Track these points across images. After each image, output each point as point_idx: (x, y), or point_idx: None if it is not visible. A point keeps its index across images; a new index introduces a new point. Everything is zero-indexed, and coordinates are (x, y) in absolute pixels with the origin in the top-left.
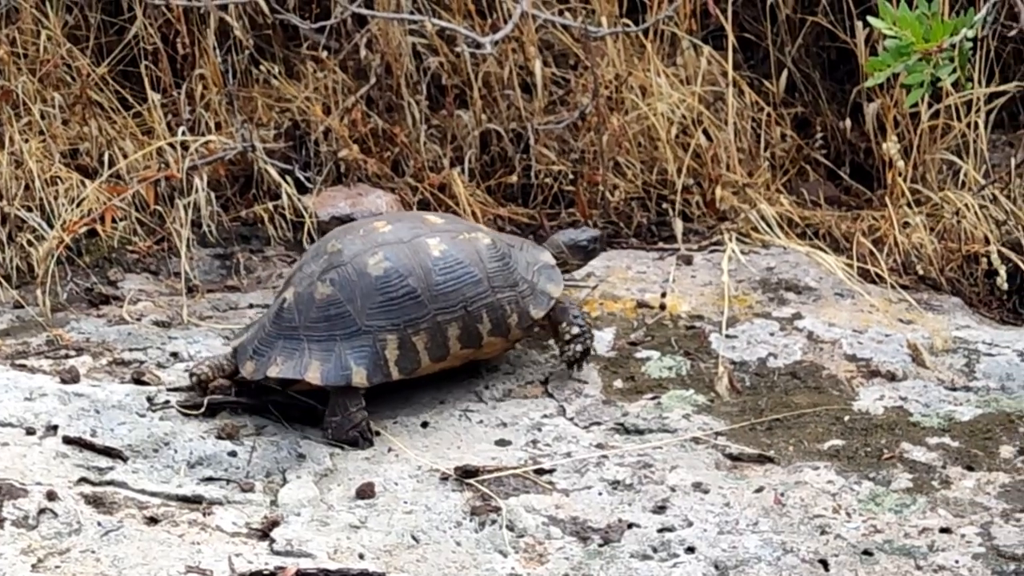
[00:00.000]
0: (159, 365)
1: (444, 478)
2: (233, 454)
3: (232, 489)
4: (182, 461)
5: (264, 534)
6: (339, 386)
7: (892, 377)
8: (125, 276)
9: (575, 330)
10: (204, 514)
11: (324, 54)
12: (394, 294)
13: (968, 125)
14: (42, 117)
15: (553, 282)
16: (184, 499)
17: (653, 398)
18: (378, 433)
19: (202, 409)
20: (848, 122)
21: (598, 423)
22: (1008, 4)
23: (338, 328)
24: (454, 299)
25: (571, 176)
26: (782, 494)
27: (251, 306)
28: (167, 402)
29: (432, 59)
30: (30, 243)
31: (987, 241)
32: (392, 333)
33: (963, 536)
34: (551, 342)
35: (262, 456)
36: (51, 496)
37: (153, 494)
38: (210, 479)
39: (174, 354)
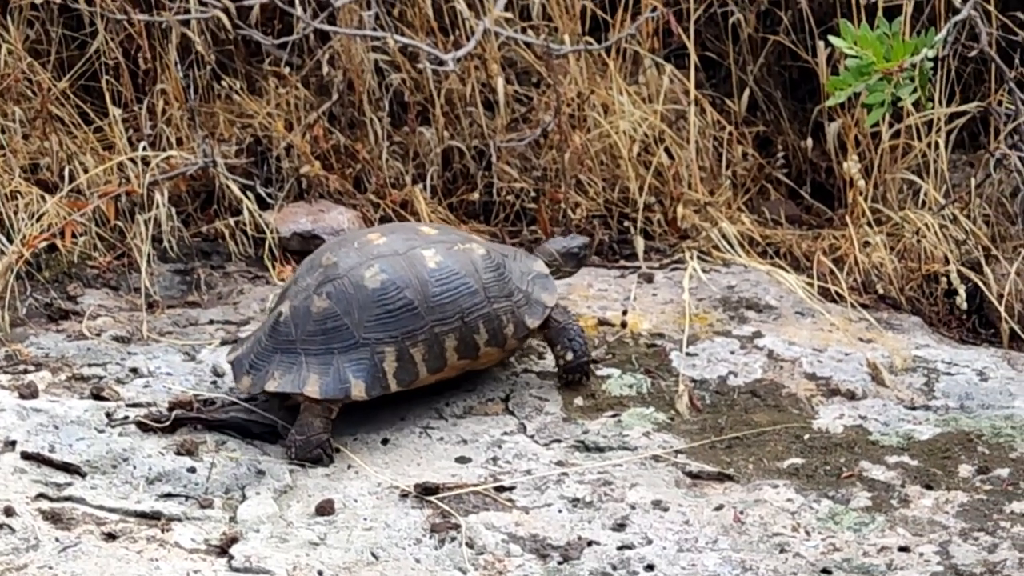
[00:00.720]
0: (118, 381)
1: (404, 495)
2: (192, 470)
3: (191, 505)
4: (141, 477)
5: (223, 551)
6: (336, 399)
7: (852, 396)
8: (85, 291)
9: (569, 356)
10: (163, 530)
11: (286, 70)
12: (391, 306)
13: (929, 145)
14: (2, 131)
15: (547, 291)
16: (142, 515)
17: (613, 416)
18: (338, 450)
19: (163, 424)
20: (809, 141)
21: (558, 440)
22: (969, 24)
23: (336, 341)
24: (451, 310)
25: (533, 193)
26: (741, 512)
27: (211, 322)
28: (126, 418)
29: (394, 76)
30: None
31: (947, 261)
32: (390, 345)
33: (921, 555)
34: (513, 359)
35: (221, 472)
36: (8, 512)
37: (111, 510)
38: (169, 495)
39: (133, 370)
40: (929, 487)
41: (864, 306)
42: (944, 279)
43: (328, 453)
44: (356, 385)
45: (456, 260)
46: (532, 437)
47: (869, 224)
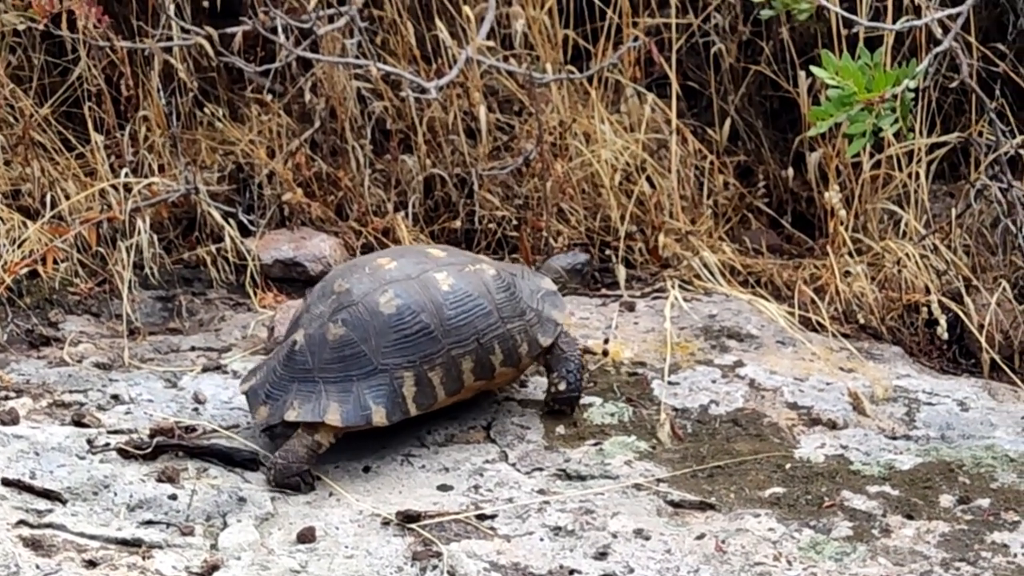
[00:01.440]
0: (100, 407)
1: (385, 523)
2: (173, 497)
3: (172, 532)
4: (122, 504)
5: None
6: (357, 426)
7: (833, 425)
8: (66, 318)
9: (563, 386)
10: (143, 557)
11: (269, 97)
12: (408, 331)
13: (909, 175)
14: None
15: (557, 308)
16: (123, 542)
17: (595, 444)
18: (319, 478)
19: (144, 451)
20: (790, 171)
21: (540, 469)
22: (950, 56)
23: (354, 368)
24: (467, 332)
25: (515, 222)
26: (723, 541)
27: (193, 349)
28: (107, 444)
29: (377, 103)
30: None
31: (927, 291)
32: (408, 370)
33: None
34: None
35: (202, 499)
36: None
37: (92, 537)
38: (150, 522)
39: (115, 396)
40: (910, 517)
41: (845, 336)
42: (925, 309)
43: (307, 482)
44: (377, 411)
45: (468, 282)
46: (514, 465)
47: (850, 254)
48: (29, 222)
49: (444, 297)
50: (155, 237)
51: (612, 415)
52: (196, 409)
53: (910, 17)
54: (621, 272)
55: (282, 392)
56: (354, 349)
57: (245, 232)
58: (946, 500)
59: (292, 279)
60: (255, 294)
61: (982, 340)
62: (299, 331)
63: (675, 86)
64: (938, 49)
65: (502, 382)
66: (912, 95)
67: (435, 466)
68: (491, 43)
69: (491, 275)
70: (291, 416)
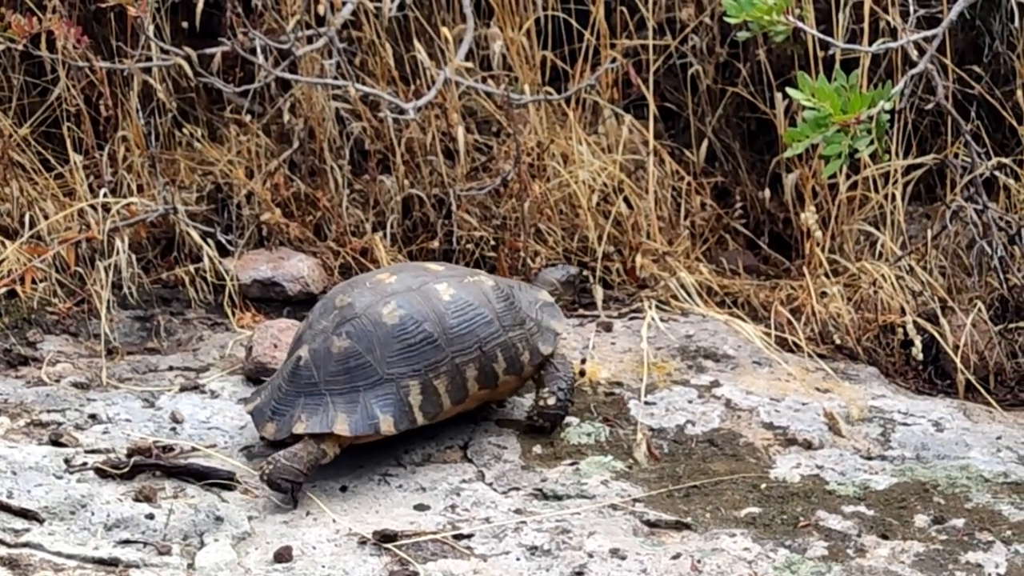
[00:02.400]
0: (77, 427)
1: (362, 542)
2: (151, 517)
3: (149, 552)
4: (99, 523)
5: None
6: (366, 435)
7: (808, 445)
8: (44, 337)
9: (551, 401)
10: None
11: (247, 118)
12: (412, 340)
13: (886, 197)
14: None
15: (556, 319)
16: (100, 562)
17: (572, 464)
18: (295, 497)
19: (121, 470)
20: (767, 192)
21: (517, 488)
22: (926, 78)
23: (360, 379)
24: (469, 340)
25: (493, 242)
26: (699, 561)
27: (171, 368)
28: (84, 464)
29: (355, 124)
30: None
31: (903, 312)
32: (414, 379)
33: None
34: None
35: (180, 519)
36: None
37: (69, 556)
38: (127, 542)
39: (92, 416)
40: (885, 537)
41: (821, 356)
42: (901, 330)
43: (294, 493)
44: (384, 420)
45: (469, 292)
46: (491, 485)
47: (826, 275)
48: (8, 242)
49: (446, 307)
50: (133, 257)
51: (589, 435)
52: (174, 428)
53: (886, 39)
54: (598, 292)
55: (288, 407)
56: (359, 360)
57: (223, 252)
58: (921, 520)
59: (270, 299)
60: (233, 314)
61: (957, 361)
62: (303, 347)
63: (652, 107)
64: (914, 71)
65: (505, 391)
66: (888, 117)
67: (412, 485)
68: (469, 64)
69: (490, 285)
70: (299, 429)
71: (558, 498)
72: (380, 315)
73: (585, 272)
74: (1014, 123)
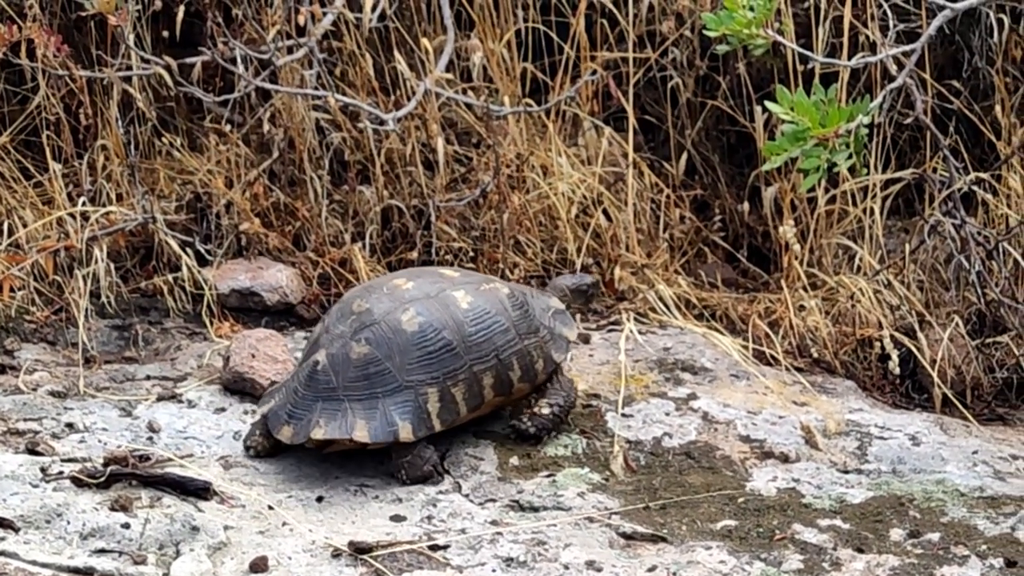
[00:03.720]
0: (54, 436)
1: (338, 553)
2: (126, 526)
3: (125, 561)
4: (75, 532)
5: None
6: (385, 443)
7: (785, 459)
8: (22, 346)
9: (545, 411)
10: None
11: (227, 127)
12: (431, 348)
13: (864, 211)
14: None
15: (567, 326)
16: (76, 571)
17: (548, 476)
18: (271, 508)
19: (97, 480)
20: (746, 205)
21: (493, 500)
22: (904, 92)
23: (379, 385)
24: (487, 348)
25: (472, 253)
26: (674, 573)
27: (148, 378)
28: (61, 473)
29: (335, 135)
30: None
31: (881, 326)
32: (432, 386)
33: None
34: None
35: (155, 528)
36: None
37: (44, 565)
38: (102, 551)
39: (69, 425)
40: (861, 550)
41: (799, 369)
42: (878, 344)
43: (439, 471)
44: (403, 427)
45: (486, 300)
46: (467, 496)
47: (804, 288)
48: None
49: (464, 315)
50: (112, 266)
51: (566, 447)
52: (150, 438)
53: (865, 54)
54: None
55: (306, 411)
56: (379, 367)
57: (202, 262)
58: (896, 534)
59: (249, 309)
60: (211, 324)
61: (934, 375)
62: (320, 351)
63: (632, 120)
64: (892, 85)
65: (518, 399)
66: (866, 131)
67: (388, 496)
68: (449, 75)
69: (505, 293)
70: (318, 434)
71: (534, 510)
72: (399, 322)
73: (599, 284)
74: (993, 138)
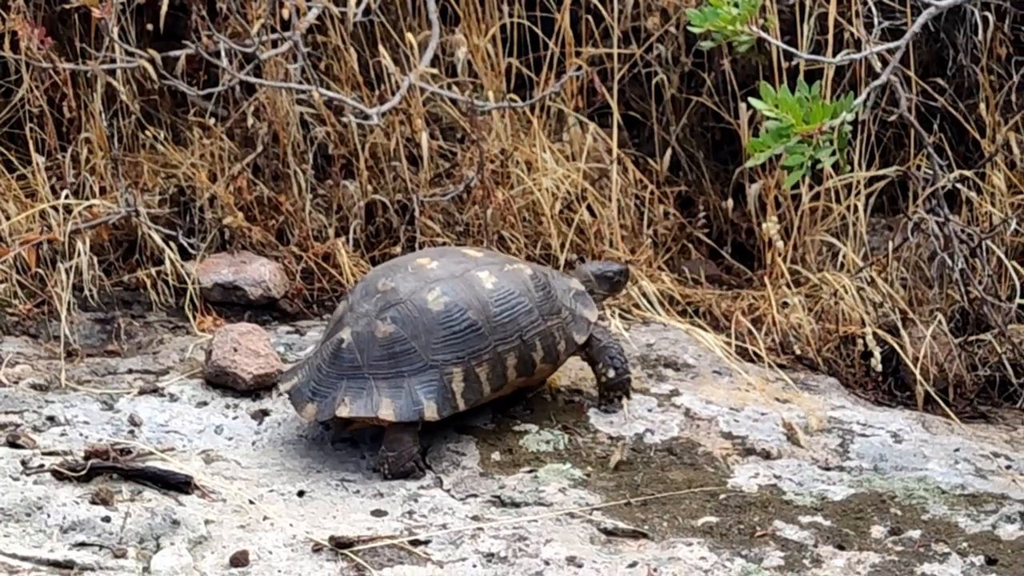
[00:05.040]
0: (35, 429)
1: (318, 548)
2: (107, 519)
3: (104, 555)
4: (55, 526)
5: None
6: (411, 421)
7: (767, 455)
8: (4, 338)
9: (611, 373)
10: None
11: (211, 121)
12: (456, 328)
13: (848, 208)
14: None
15: (588, 308)
16: (56, 564)
17: (530, 471)
18: (252, 502)
19: (78, 473)
20: (730, 202)
21: (475, 495)
22: (889, 89)
23: (404, 364)
24: (511, 329)
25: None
26: (655, 569)
27: (130, 371)
28: (41, 466)
29: (319, 129)
30: None
31: (863, 323)
32: (457, 366)
33: None
34: None
35: (136, 522)
36: None
37: (24, 558)
38: (83, 544)
39: (51, 418)
40: (842, 547)
41: (781, 366)
42: (861, 341)
43: (420, 467)
44: (428, 406)
45: (510, 280)
46: (448, 491)
47: (788, 285)
48: None
49: (489, 295)
50: (95, 259)
51: (548, 442)
52: (132, 432)
53: (850, 51)
54: None
55: (330, 389)
56: (404, 346)
57: (185, 255)
58: (877, 531)
59: (231, 303)
60: (194, 317)
61: (917, 373)
62: (344, 329)
63: (617, 116)
64: (876, 82)
65: (540, 379)
66: (850, 128)
67: (370, 491)
68: (434, 70)
69: (528, 274)
70: (343, 412)
71: (516, 505)
72: (425, 301)
73: (629, 272)
74: (977, 136)
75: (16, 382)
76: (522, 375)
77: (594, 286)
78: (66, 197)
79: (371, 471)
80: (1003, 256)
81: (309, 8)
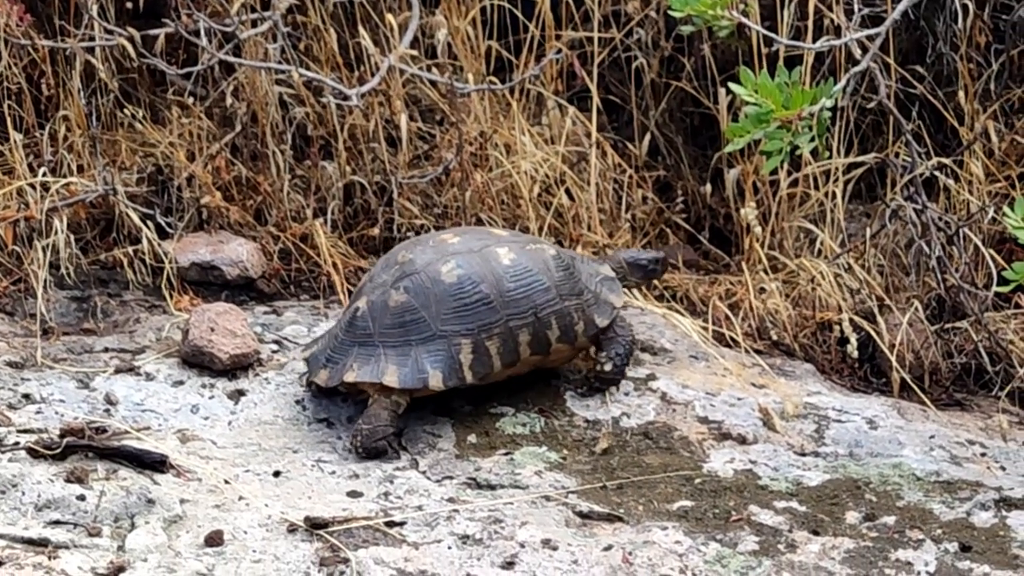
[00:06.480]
0: (10, 406)
1: (293, 528)
2: (82, 498)
3: (79, 533)
4: (29, 503)
5: None
6: (414, 388)
7: (743, 440)
8: None
9: (609, 367)
10: (50, 557)
11: (190, 100)
12: (467, 300)
13: (826, 194)
14: None
15: (615, 293)
16: (30, 542)
17: (506, 454)
18: (227, 482)
19: (53, 451)
20: (709, 187)
21: (450, 477)
22: (868, 76)
23: (413, 333)
24: (525, 305)
25: (433, 230)
26: (630, 553)
27: (106, 350)
28: (16, 444)
29: (298, 109)
30: None
31: (840, 309)
32: (466, 338)
33: None
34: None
35: (111, 501)
36: None
37: None
38: (57, 522)
39: (26, 396)
40: (816, 533)
41: (758, 352)
42: (837, 327)
43: (393, 446)
44: (433, 375)
45: (529, 258)
46: (424, 473)
47: (765, 271)
48: None
49: (504, 270)
50: (72, 237)
51: (524, 425)
52: (108, 410)
53: (830, 37)
54: None
55: (342, 356)
56: (414, 315)
57: (163, 234)
58: (852, 517)
59: (208, 282)
60: (171, 297)
61: (893, 360)
62: (362, 298)
63: (596, 100)
64: (856, 69)
65: (557, 359)
66: (829, 114)
67: (345, 472)
68: (414, 52)
69: (551, 254)
70: (350, 377)
71: (491, 488)
72: (439, 273)
73: (666, 261)
74: (955, 124)
75: None
76: (536, 353)
77: (626, 273)
78: (43, 175)
79: (347, 452)
80: (980, 244)
81: None
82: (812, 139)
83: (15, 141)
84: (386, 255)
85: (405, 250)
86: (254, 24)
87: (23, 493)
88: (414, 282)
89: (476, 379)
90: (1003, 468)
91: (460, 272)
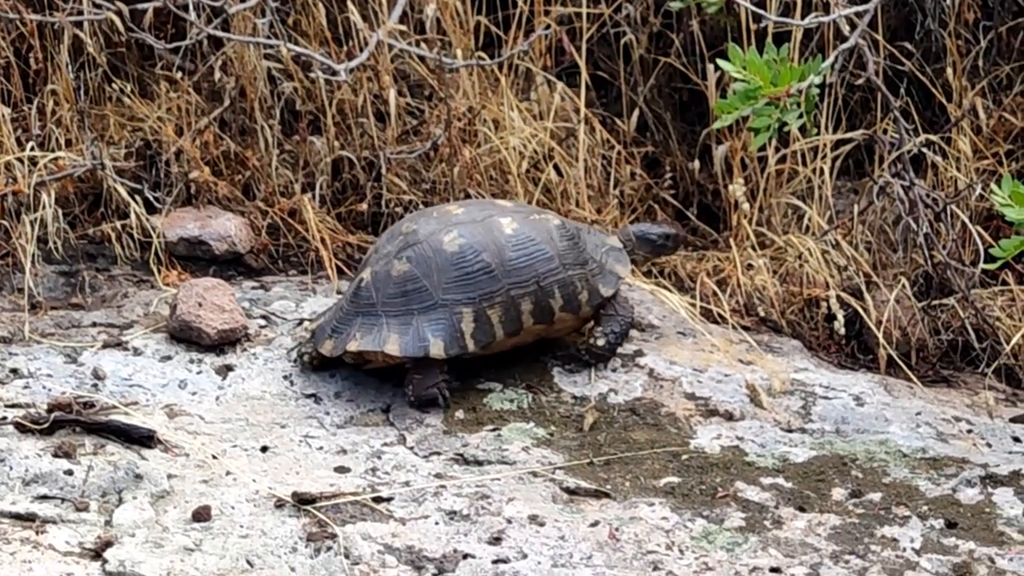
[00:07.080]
0: None
1: (281, 504)
2: (69, 473)
3: (66, 508)
4: (17, 478)
5: (97, 554)
6: (416, 357)
7: (730, 417)
8: None
9: (601, 342)
10: (37, 532)
11: (178, 75)
12: (469, 269)
13: (814, 171)
14: None
15: (621, 263)
16: (17, 516)
17: (493, 430)
18: (215, 457)
19: (41, 426)
20: (697, 163)
21: (438, 453)
22: (857, 53)
23: (415, 302)
24: (527, 274)
25: (422, 206)
26: (617, 529)
27: (94, 324)
28: (4, 418)
29: (287, 84)
30: None
31: (828, 286)
32: (468, 306)
33: None
34: None
35: (99, 475)
36: None
37: None
38: (45, 497)
39: (14, 370)
40: (802, 509)
41: (745, 328)
42: (825, 304)
43: (444, 395)
44: (435, 344)
45: (532, 227)
46: (412, 449)
47: (753, 247)
48: None
49: (507, 240)
50: (60, 212)
51: (511, 401)
52: (95, 385)
53: (818, 13)
54: None
55: (346, 326)
56: (416, 284)
57: (151, 209)
58: (838, 493)
59: (196, 257)
60: (159, 271)
61: (880, 336)
62: (367, 269)
63: (585, 75)
64: (844, 46)
65: (562, 329)
66: (818, 91)
67: (333, 448)
68: (403, 27)
69: (555, 224)
70: (352, 346)
71: (479, 463)
72: (441, 242)
73: (678, 237)
74: (943, 101)
75: None
76: (540, 322)
77: (634, 246)
78: (31, 149)
79: (335, 427)
80: (967, 221)
81: None
82: (800, 116)
83: (3, 115)
84: (391, 227)
85: (410, 221)
86: None
87: (10, 468)
88: (416, 252)
89: (478, 348)
90: (989, 445)
91: (462, 241)
